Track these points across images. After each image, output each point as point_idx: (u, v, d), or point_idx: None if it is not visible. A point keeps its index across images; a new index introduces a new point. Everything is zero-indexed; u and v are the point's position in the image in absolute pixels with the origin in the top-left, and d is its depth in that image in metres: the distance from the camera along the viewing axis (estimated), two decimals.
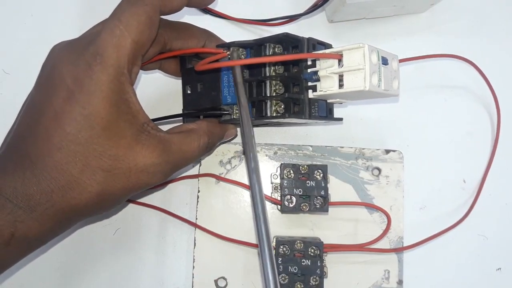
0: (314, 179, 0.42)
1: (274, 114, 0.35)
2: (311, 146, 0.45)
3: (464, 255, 0.46)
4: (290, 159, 0.45)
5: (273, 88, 0.36)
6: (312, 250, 0.41)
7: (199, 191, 0.44)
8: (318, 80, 0.35)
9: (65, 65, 0.31)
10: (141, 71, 0.42)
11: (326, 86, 0.34)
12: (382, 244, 0.43)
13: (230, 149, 0.45)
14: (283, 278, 0.41)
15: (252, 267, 0.43)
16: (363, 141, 0.47)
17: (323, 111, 0.37)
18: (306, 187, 0.42)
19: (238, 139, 0.45)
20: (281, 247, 0.41)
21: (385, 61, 0.33)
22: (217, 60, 0.35)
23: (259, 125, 0.46)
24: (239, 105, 0.34)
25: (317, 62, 0.35)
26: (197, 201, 0.44)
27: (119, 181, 0.32)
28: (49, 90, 0.31)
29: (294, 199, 0.42)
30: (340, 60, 0.33)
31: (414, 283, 0.45)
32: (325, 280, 0.42)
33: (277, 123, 0.44)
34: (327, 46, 0.37)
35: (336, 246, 0.43)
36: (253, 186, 0.32)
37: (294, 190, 0.42)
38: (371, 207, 0.44)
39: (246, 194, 0.44)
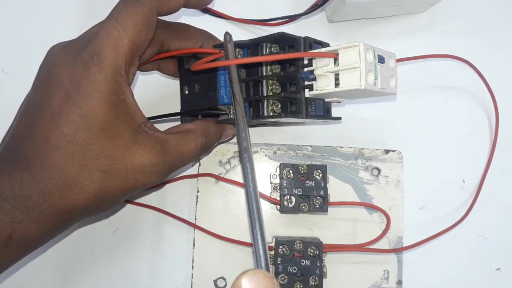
0: (313, 179, 0.42)
1: (271, 114, 0.35)
2: (310, 146, 0.45)
3: (463, 255, 0.46)
4: (289, 159, 0.45)
5: (269, 88, 0.36)
6: (312, 250, 0.41)
7: (198, 191, 0.44)
8: (314, 79, 0.35)
9: (63, 65, 0.31)
10: (139, 72, 0.43)
11: (323, 85, 0.34)
12: (382, 244, 0.43)
13: (229, 149, 0.45)
14: (282, 278, 0.41)
15: (252, 267, 0.43)
16: (362, 141, 0.47)
17: (320, 110, 0.37)
18: (306, 187, 0.42)
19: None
20: (281, 247, 0.41)
21: (381, 59, 0.33)
22: (213, 60, 0.35)
23: (257, 125, 0.46)
24: (232, 95, 0.34)
25: (314, 61, 0.35)
26: (197, 201, 0.44)
27: (117, 181, 0.32)
28: (46, 91, 0.31)
29: (293, 199, 0.42)
30: (336, 59, 0.33)
31: (413, 283, 0.45)
32: (324, 280, 0.42)
33: (274, 122, 0.44)
34: (324, 45, 0.37)
35: (336, 246, 0.43)
36: (245, 166, 0.32)
37: (294, 190, 0.42)
38: (371, 207, 0.44)
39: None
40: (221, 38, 0.40)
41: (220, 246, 0.44)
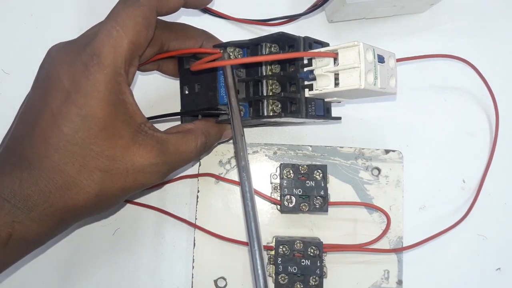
0: (313, 179, 0.42)
1: (271, 114, 0.35)
2: (310, 146, 0.45)
3: (463, 255, 0.46)
4: (289, 159, 0.45)
5: (269, 88, 0.36)
6: (312, 250, 0.41)
7: (198, 191, 0.44)
8: (314, 79, 0.35)
9: (62, 66, 0.31)
10: (139, 72, 0.42)
11: (322, 85, 0.34)
12: (382, 244, 0.43)
13: (229, 149, 0.45)
14: (282, 278, 0.41)
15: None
16: (362, 141, 0.47)
17: (320, 110, 0.37)
18: (306, 187, 0.42)
19: None
20: (281, 247, 0.41)
21: (381, 59, 0.33)
22: (213, 60, 0.35)
23: (257, 125, 0.46)
24: (229, 103, 0.34)
25: (313, 61, 0.35)
26: (197, 201, 0.44)
27: (117, 181, 0.32)
28: (46, 91, 0.31)
29: (293, 199, 0.42)
30: (335, 59, 0.33)
31: (413, 283, 0.45)
32: (324, 280, 0.42)
33: (274, 122, 0.44)
34: (324, 44, 0.37)
35: (336, 246, 0.43)
36: (243, 183, 0.32)
37: (294, 190, 0.42)
38: (371, 207, 0.44)
39: None
40: (221, 38, 0.40)
41: (220, 246, 0.44)
